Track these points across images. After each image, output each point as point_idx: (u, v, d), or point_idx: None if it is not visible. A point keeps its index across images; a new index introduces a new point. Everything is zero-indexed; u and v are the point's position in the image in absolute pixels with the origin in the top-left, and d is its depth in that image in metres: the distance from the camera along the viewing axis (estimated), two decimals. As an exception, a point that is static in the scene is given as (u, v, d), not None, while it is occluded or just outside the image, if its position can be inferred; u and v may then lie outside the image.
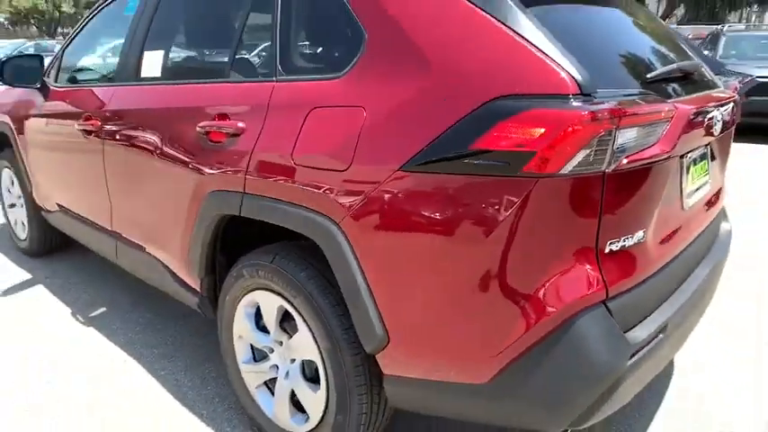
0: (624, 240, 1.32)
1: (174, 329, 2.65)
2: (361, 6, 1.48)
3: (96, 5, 2.74)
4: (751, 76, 7.64)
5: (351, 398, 1.56)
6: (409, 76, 1.35)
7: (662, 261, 1.48)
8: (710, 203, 1.87)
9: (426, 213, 1.30)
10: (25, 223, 3.45)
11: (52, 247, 3.50)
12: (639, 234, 1.36)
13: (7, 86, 3.08)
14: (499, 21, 1.29)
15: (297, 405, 1.78)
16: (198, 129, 1.83)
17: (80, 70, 2.86)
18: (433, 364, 1.40)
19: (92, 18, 2.77)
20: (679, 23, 20.21)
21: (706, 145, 1.72)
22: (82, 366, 2.35)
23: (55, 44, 19.57)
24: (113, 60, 2.47)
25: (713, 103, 1.65)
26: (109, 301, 2.95)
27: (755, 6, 19.80)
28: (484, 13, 1.31)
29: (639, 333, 1.36)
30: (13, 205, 3.61)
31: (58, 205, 2.96)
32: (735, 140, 2.06)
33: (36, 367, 2.34)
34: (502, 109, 1.19)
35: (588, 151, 1.17)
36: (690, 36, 12.15)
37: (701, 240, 1.79)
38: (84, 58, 2.88)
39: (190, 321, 2.72)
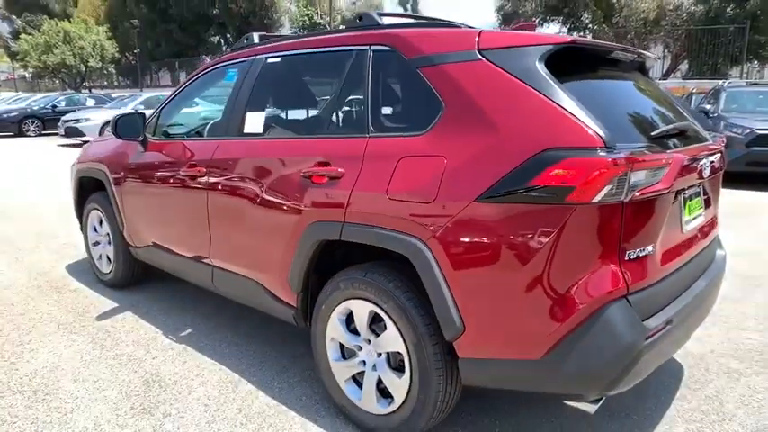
0: (639, 251, 1.81)
1: (254, 345, 3.11)
2: (440, 84, 2.03)
3: (191, 77, 3.34)
4: (751, 128, 8.24)
5: (431, 379, 2.01)
6: (479, 135, 1.88)
7: (668, 269, 1.97)
8: (706, 230, 2.36)
9: (495, 232, 1.80)
10: (111, 258, 3.96)
11: (133, 280, 4.00)
12: (650, 248, 1.85)
13: (102, 138, 3.66)
14: (543, 94, 1.83)
15: (381, 392, 2.23)
16: (302, 173, 2.36)
17: (179, 127, 3.44)
18: (498, 346, 1.87)
19: (186, 86, 3.37)
20: (684, 78, 21.10)
21: (699, 185, 2.23)
22: (184, 375, 2.81)
23: (86, 97, 20.75)
24: (214, 119, 3.04)
25: (703, 153, 2.17)
26: (190, 324, 3.42)
27: (755, 62, 20.73)
28: (532, 89, 1.85)
29: (652, 322, 1.83)
30: (97, 243, 4.14)
31: (152, 242, 3.48)
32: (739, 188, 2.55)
33: (145, 378, 2.80)
34: (551, 158, 1.71)
35: (611, 187, 1.68)
36: (694, 90, 12.82)
37: (699, 259, 2.28)
38: (182, 118, 3.46)
39: (265, 337, 3.18)
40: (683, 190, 2.06)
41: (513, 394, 2.56)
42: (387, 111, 2.25)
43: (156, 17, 33.48)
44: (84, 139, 14.70)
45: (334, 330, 2.35)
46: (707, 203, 2.35)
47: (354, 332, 2.30)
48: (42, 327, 3.38)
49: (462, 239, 1.86)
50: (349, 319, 2.31)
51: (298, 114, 2.89)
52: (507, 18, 25.08)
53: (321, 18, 32.41)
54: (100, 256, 4.12)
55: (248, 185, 2.65)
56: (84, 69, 31.93)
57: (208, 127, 3.28)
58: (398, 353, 2.12)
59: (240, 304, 3.01)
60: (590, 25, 24.08)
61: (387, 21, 2.46)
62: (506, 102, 1.88)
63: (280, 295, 2.58)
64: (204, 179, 2.89)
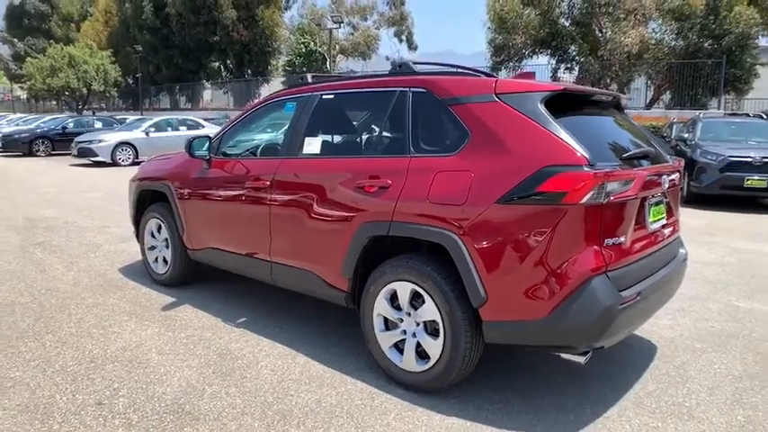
0: (614, 240, 2.49)
1: (301, 329, 3.73)
2: (466, 118, 2.73)
3: (250, 108, 4.04)
4: (723, 155, 9.08)
5: (460, 339, 2.66)
6: (496, 156, 2.57)
7: (637, 256, 2.65)
8: (667, 231, 3.04)
9: (509, 226, 2.47)
10: (168, 260, 4.58)
11: (186, 279, 4.62)
12: (622, 238, 2.54)
13: (159, 157, 4.35)
14: (543, 126, 2.53)
15: (419, 354, 2.86)
16: (356, 184, 3.03)
17: (240, 148, 4.12)
18: (513, 310, 2.52)
19: (247, 115, 4.06)
20: (666, 108, 22.24)
21: (662, 194, 2.93)
22: (250, 350, 3.42)
23: (94, 120, 21.43)
24: (272, 142, 3.72)
25: (664, 171, 2.88)
26: (242, 314, 4.03)
27: (732, 94, 21.93)
28: (535, 122, 2.55)
29: (626, 293, 2.50)
30: (153, 247, 4.76)
31: (210, 244, 4.11)
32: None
33: (218, 352, 3.41)
34: (549, 172, 2.40)
35: (593, 193, 2.37)
36: (675, 120, 13.72)
37: (663, 252, 2.96)
38: (242, 141, 4.14)
39: (310, 324, 3.81)
40: (648, 198, 2.76)
41: (515, 361, 3.21)
42: (424, 136, 2.93)
43: (158, 43, 34.46)
44: (98, 159, 15.31)
45: (381, 307, 2.99)
46: (668, 210, 3.05)
47: (397, 308, 2.94)
48: (116, 316, 3.98)
49: (485, 232, 2.53)
50: (392, 298, 2.96)
51: (349, 139, 3.56)
52: (498, 50, 26.18)
53: (319, 47, 33.53)
54: (156, 258, 4.73)
55: (308, 195, 3.31)
56: (86, 92, 32.69)
57: (264, 148, 3.97)
58: (434, 321, 2.77)
59: (282, 297, 3.65)
60: (577, 57, 25.27)
61: (419, 67, 3.18)
62: (516, 132, 2.58)
63: (333, 282, 3.23)
64: (267, 191, 3.55)
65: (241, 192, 3.77)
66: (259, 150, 4.02)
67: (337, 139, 3.60)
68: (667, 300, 3.05)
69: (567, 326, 2.43)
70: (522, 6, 24.66)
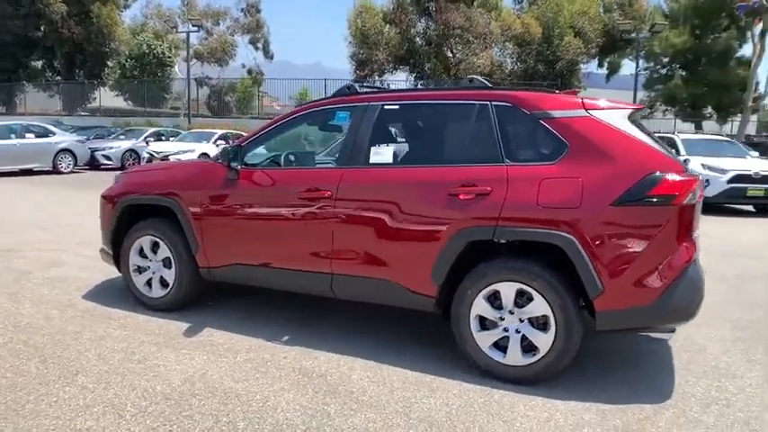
0: (695, 233, 2.99)
1: (355, 337, 3.69)
2: (562, 131, 3.03)
3: (282, 118, 3.89)
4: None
5: (573, 330, 2.94)
6: (602, 163, 2.91)
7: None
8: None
9: (624, 225, 2.84)
10: (170, 281, 4.14)
11: (187, 302, 4.21)
12: (697, 231, 3.05)
13: (147, 167, 3.95)
14: (636, 137, 2.95)
15: (523, 349, 3.07)
16: (447, 192, 3.15)
17: (278, 158, 3.91)
18: (624, 299, 2.88)
19: (278, 125, 3.89)
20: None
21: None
22: (330, 367, 3.31)
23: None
24: (329, 151, 3.64)
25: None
26: (278, 329, 3.82)
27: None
28: (628, 134, 2.96)
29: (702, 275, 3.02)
30: (142, 269, 4.25)
31: (236, 261, 3.84)
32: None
33: (298, 370, 3.25)
34: (658, 177, 2.81)
35: (691, 195, 2.84)
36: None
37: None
38: (279, 150, 3.93)
39: (358, 331, 3.78)
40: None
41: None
42: (517, 146, 3.17)
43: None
44: None
45: (480, 308, 3.14)
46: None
47: (497, 307, 3.12)
48: (141, 347, 3.51)
49: (600, 231, 2.86)
50: (492, 298, 3.13)
51: (426, 148, 3.60)
52: (362, 64, 27.10)
53: (165, 49, 31.31)
54: (148, 281, 4.24)
55: (385, 205, 3.32)
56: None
57: (312, 158, 3.84)
58: (542, 316, 3.01)
59: (307, 306, 3.60)
60: (431, 75, 27.20)
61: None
62: (615, 142, 2.96)
63: (418, 289, 3.29)
64: (329, 202, 3.46)
65: (289, 203, 3.61)
66: (306, 160, 3.88)
67: (411, 148, 3.64)
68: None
69: (672, 308, 2.86)
70: (383, 24, 25.90)
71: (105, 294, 4.55)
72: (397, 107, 3.54)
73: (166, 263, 4.16)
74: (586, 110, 3.06)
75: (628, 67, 30.81)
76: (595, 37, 24.50)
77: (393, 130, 3.64)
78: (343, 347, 3.56)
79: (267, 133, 3.94)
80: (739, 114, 26.49)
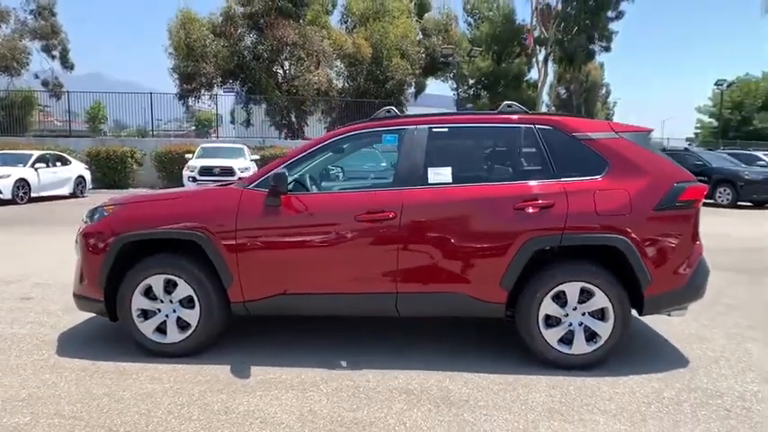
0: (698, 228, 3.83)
1: (407, 350, 3.81)
2: (602, 150, 3.62)
3: (319, 141, 3.83)
4: None
5: (627, 318, 3.53)
6: (640, 177, 3.56)
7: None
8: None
9: (664, 226, 3.52)
10: (193, 322, 3.72)
11: (211, 343, 3.83)
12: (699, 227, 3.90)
13: (150, 196, 3.61)
14: (657, 154, 3.68)
15: (586, 338, 3.56)
16: (514, 207, 3.51)
17: (324, 181, 3.79)
18: (665, 285, 3.55)
19: (317, 148, 3.83)
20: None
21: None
22: (416, 385, 3.39)
23: None
24: (382, 173, 3.70)
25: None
26: (329, 359, 3.73)
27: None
28: (651, 152, 3.67)
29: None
30: (151, 312, 3.74)
31: (285, 291, 3.66)
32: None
33: (406, 393, 3.27)
34: (682, 186, 3.56)
35: (701, 199, 3.65)
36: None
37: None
38: (322, 174, 3.81)
39: (406, 344, 3.90)
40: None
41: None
42: (565, 164, 3.65)
43: None
44: None
45: (548, 307, 3.55)
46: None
47: (562, 305, 3.57)
48: (212, 398, 3.16)
49: (647, 232, 3.50)
50: (556, 297, 3.56)
51: (481, 168, 3.84)
52: (188, 78, 25.49)
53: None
54: (161, 326, 3.75)
55: (453, 222, 3.55)
56: None
57: (364, 180, 3.83)
58: (602, 309, 3.54)
59: (334, 331, 3.75)
60: (262, 91, 26.55)
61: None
62: (645, 158, 3.64)
63: (486, 298, 3.57)
64: (394, 222, 3.55)
65: (346, 227, 3.60)
66: (359, 182, 3.85)
67: (466, 168, 3.85)
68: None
69: (696, 288, 3.63)
70: (211, 36, 24.79)
71: (86, 347, 3.86)
72: (446, 129, 3.78)
73: (185, 302, 3.74)
74: (616, 132, 3.70)
75: (434, 86, 34.49)
76: (418, 60, 26.84)
77: (450, 151, 3.86)
78: (406, 363, 3.65)
79: (299, 159, 3.84)
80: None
